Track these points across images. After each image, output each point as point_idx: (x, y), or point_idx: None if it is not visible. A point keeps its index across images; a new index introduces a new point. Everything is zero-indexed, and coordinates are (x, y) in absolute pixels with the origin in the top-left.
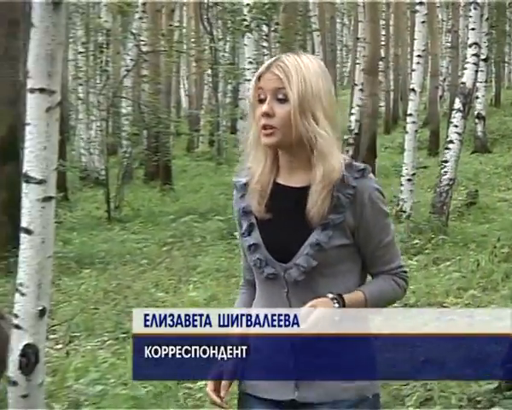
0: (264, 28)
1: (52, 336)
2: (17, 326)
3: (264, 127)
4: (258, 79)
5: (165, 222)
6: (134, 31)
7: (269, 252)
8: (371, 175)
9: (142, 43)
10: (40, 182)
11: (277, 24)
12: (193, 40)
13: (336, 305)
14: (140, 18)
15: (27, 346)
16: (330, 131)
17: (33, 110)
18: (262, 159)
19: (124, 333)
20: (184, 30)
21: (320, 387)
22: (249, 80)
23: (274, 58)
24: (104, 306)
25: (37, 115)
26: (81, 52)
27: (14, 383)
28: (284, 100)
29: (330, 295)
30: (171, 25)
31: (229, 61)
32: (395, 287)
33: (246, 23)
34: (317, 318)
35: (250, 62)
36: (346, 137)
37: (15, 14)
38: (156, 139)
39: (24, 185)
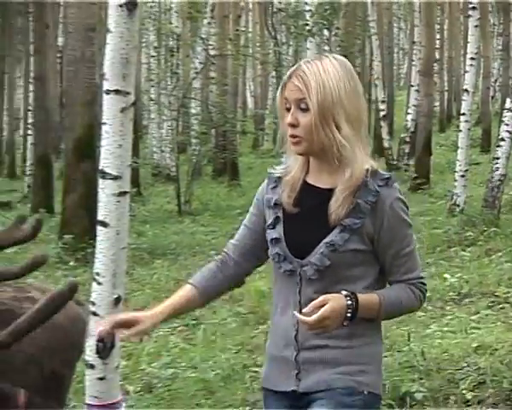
0: (326, 33)
1: None
2: (94, 313)
3: (292, 136)
4: (283, 88)
5: (232, 215)
6: (203, 35)
7: (288, 248)
8: (396, 185)
9: (211, 47)
10: (115, 178)
11: (338, 28)
12: (258, 44)
13: (349, 302)
14: (208, 23)
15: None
16: (353, 135)
17: (109, 110)
18: (297, 158)
19: (193, 320)
20: (250, 34)
21: (317, 377)
22: None
23: (295, 67)
24: None
25: (113, 115)
26: (153, 56)
27: (92, 367)
28: (306, 109)
29: (344, 292)
30: (237, 30)
31: (292, 64)
32: (411, 296)
33: (308, 28)
34: (326, 311)
35: None
36: (402, 135)
37: (92, 20)
38: (224, 138)
39: (100, 181)
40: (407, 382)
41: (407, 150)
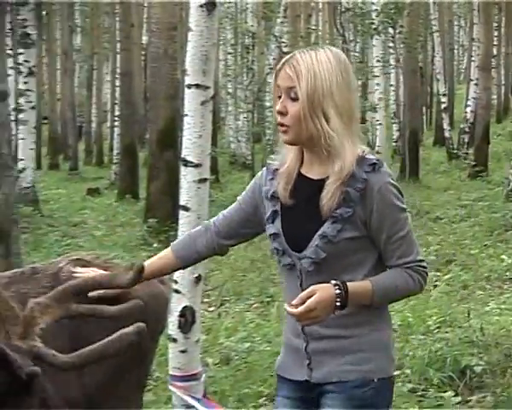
0: (390, 30)
1: (206, 300)
2: (176, 291)
3: (280, 125)
4: (276, 76)
5: None
6: (276, 33)
7: (286, 242)
8: (384, 169)
9: (283, 44)
10: (196, 165)
11: (402, 27)
12: (327, 41)
13: (337, 290)
14: (281, 22)
15: (185, 308)
16: (343, 128)
17: (190, 103)
18: (291, 149)
19: (268, 297)
20: (320, 32)
21: (328, 368)
22: (377, 76)
23: (289, 55)
24: (251, 273)
25: (194, 108)
26: (230, 53)
27: (174, 340)
28: (295, 98)
29: (333, 282)
30: (308, 28)
31: (359, 60)
32: (408, 280)
33: (374, 26)
34: (311, 303)
35: (378, 61)
36: (462, 126)
37: (173, 20)
38: None
39: (182, 169)
40: (467, 356)
41: (466, 140)
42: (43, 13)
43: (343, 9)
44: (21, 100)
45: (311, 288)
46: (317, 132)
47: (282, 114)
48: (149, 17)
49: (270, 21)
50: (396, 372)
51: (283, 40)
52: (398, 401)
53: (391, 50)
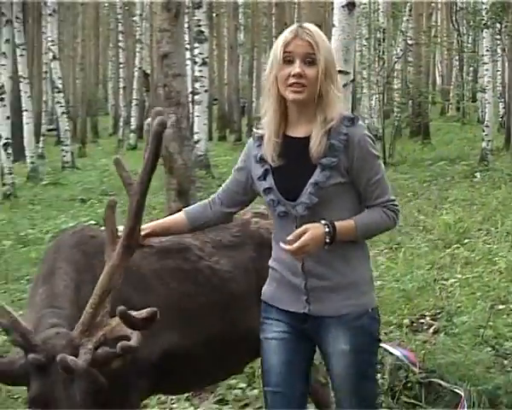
0: (498, 25)
1: None
2: None
3: (297, 84)
4: (287, 44)
5: (424, 165)
6: (402, 29)
7: (280, 193)
8: (361, 123)
9: (408, 38)
10: None
11: (507, 22)
12: (445, 35)
13: (327, 229)
14: (407, 20)
15: None
16: (338, 90)
17: None
18: (275, 111)
19: (396, 244)
20: (439, 28)
21: (327, 303)
22: (486, 63)
23: (296, 26)
24: None
25: None
26: (365, 45)
27: None
28: (312, 63)
29: (323, 222)
30: (429, 24)
31: (472, 50)
32: (384, 217)
33: (483, 22)
34: (305, 240)
35: (487, 50)
36: None
37: (319, 18)
38: (418, 107)
39: None
40: None
41: None
42: (214, 14)
43: (458, 8)
44: (197, 85)
45: (304, 226)
46: (325, 92)
47: (301, 75)
48: (299, 16)
49: (398, 19)
50: None
51: (408, 34)
52: None
53: (498, 42)
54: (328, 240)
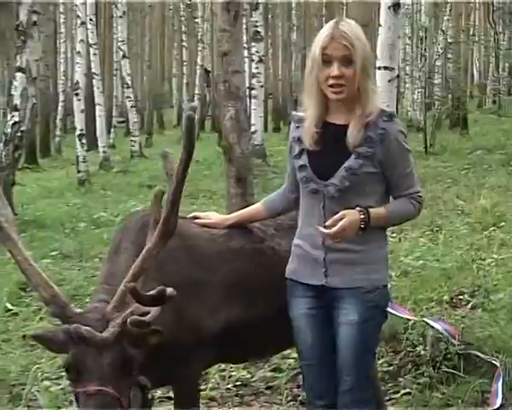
0: None
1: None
2: None
3: (335, 86)
4: (325, 47)
5: (462, 155)
6: (443, 28)
7: (313, 172)
8: (397, 120)
9: (448, 36)
10: None
11: None
12: (482, 34)
13: (362, 216)
14: (447, 19)
15: None
16: (374, 83)
17: (380, 81)
18: (317, 103)
19: (437, 227)
20: (477, 27)
21: (343, 276)
22: None
23: (332, 28)
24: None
25: (383, 84)
26: (408, 43)
27: None
28: (349, 64)
29: (358, 209)
30: (468, 24)
31: (507, 48)
32: (411, 207)
33: None
34: (343, 225)
35: None
36: None
37: (366, 17)
38: (457, 100)
39: None
40: None
41: None
42: (269, 15)
43: (495, 8)
44: (253, 81)
45: (342, 212)
46: (363, 89)
47: (340, 76)
48: (348, 16)
49: (438, 19)
50: None
51: (448, 33)
52: None
53: None
54: (362, 226)
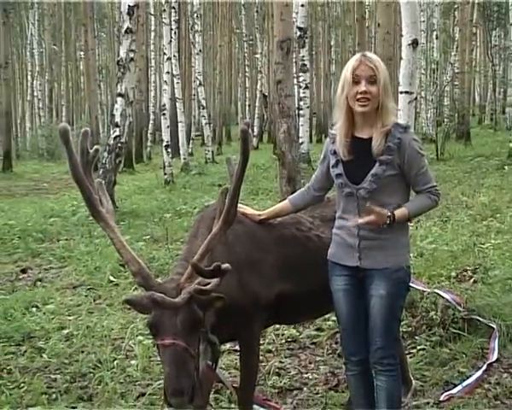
0: None
1: None
2: None
3: (361, 100)
4: (355, 69)
5: (466, 161)
6: (451, 61)
7: (347, 179)
8: (411, 131)
9: (455, 67)
10: None
11: None
12: (482, 65)
13: (389, 213)
14: (454, 54)
15: None
16: (393, 101)
17: (401, 102)
18: (345, 118)
19: (446, 217)
20: (478, 60)
21: (373, 259)
22: None
23: (360, 55)
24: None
25: (404, 105)
26: (423, 73)
27: None
28: (373, 83)
29: (388, 213)
30: (470, 57)
31: (502, 76)
32: (429, 201)
33: None
34: (372, 219)
35: None
36: None
37: (389, 54)
38: (462, 118)
39: None
40: None
41: None
42: (313, 51)
43: (492, 45)
44: (301, 103)
45: (378, 209)
46: (384, 105)
47: (366, 93)
48: (375, 52)
49: (447, 54)
50: None
51: (455, 65)
52: None
53: None
54: (388, 222)
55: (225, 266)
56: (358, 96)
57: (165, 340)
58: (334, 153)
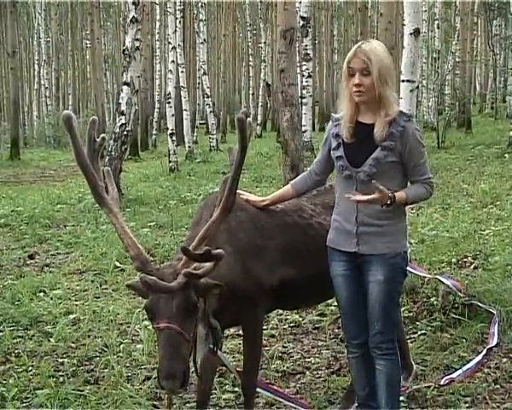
0: None
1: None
2: None
3: (358, 92)
4: (349, 62)
5: (467, 149)
6: (452, 50)
7: (348, 161)
8: (414, 120)
9: (456, 56)
10: None
11: None
12: (483, 54)
13: (390, 194)
14: (455, 43)
15: None
16: (393, 90)
17: (403, 91)
18: (349, 106)
19: (446, 205)
20: (479, 49)
21: (371, 244)
22: None
23: (356, 47)
24: (435, 191)
25: (405, 94)
26: (424, 62)
27: None
28: (367, 75)
29: (390, 194)
30: (471, 47)
31: (502, 65)
32: (425, 191)
33: None
34: (373, 198)
35: None
36: None
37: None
38: (463, 106)
39: None
40: None
41: None
42: (316, 41)
43: (493, 34)
44: (304, 91)
45: (382, 187)
46: (383, 95)
47: (359, 85)
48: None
49: (448, 43)
50: None
51: (456, 54)
52: None
53: None
54: (389, 202)
55: (217, 251)
56: (354, 89)
57: (160, 324)
58: (337, 136)
